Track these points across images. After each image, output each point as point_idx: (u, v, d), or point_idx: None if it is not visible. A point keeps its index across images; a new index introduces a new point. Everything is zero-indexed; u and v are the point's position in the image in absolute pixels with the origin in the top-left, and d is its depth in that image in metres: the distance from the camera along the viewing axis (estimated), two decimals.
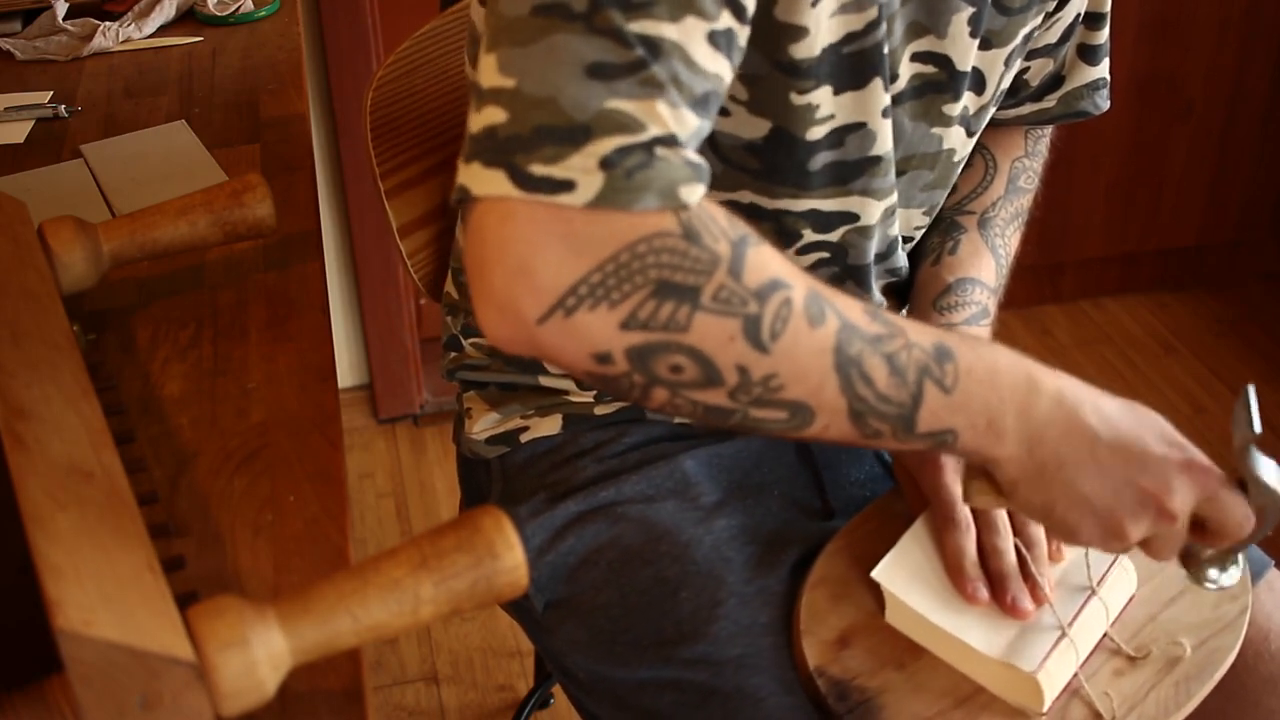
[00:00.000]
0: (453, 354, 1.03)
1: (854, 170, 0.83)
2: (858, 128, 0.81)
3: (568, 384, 0.96)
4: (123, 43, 1.39)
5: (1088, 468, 0.72)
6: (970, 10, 0.82)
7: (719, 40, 0.65)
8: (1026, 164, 1.02)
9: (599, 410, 0.97)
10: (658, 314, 0.63)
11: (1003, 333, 2.40)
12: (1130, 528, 0.73)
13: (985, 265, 0.96)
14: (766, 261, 0.65)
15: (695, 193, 0.63)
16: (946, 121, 0.87)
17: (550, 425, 0.97)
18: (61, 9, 1.40)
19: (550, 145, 0.61)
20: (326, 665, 0.63)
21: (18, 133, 1.20)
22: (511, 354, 0.64)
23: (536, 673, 1.62)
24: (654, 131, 0.62)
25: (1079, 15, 0.95)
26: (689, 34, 0.63)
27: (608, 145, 0.61)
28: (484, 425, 1.00)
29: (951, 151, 0.90)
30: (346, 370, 2.24)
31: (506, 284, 0.62)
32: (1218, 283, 2.52)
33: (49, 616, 0.52)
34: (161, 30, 1.42)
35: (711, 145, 0.81)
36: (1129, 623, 0.84)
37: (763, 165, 0.82)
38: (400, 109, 1.14)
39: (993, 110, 0.93)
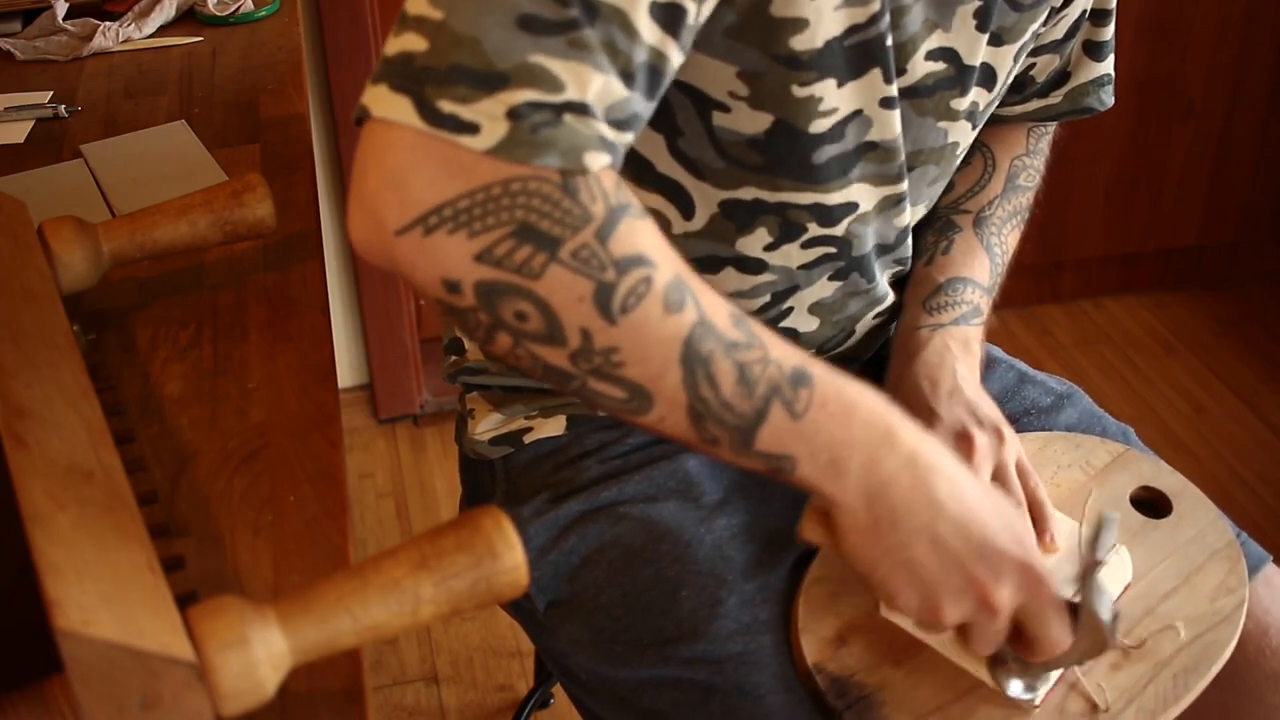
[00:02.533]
0: (453, 357, 1.03)
1: (852, 159, 0.83)
2: (854, 116, 0.81)
3: None
4: (123, 43, 1.39)
5: (922, 537, 0.70)
6: (977, 3, 0.82)
7: (662, 13, 0.64)
8: (1027, 162, 1.02)
9: (603, 411, 0.97)
10: (513, 255, 0.62)
11: (1003, 332, 2.40)
12: (948, 609, 0.72)
13: (979, 264, 0.96)
14: (639, 235, 0.64)
15: (599, 161, 0.63)
16: (953, 116, 0.87)
17: (554, 426, 0.97)
18: (61, 9, 1.40)
19: (464, 85, 0.60)
20: (326, 665, 0.63)
21: (18, 133, 1.20)
22: (370, 262, 0.65)
23: (536, 673, 1.62)
24: (569, 95, 0.61)
25: (1085, 11, 0.95)
26: (632, 1, 0.63)
27: (520, 97, 0.61)
28: (487, 426, 1.00)
29: (955, 145, 0.90)
30: (346, 370, 2.24)
31: (376, 189, 0.62)
32: (1218, 283, 2.52)
33: (49, 616, 0.52)
34: (161, 30, 1.42)
35: (713, 143, 0.81)
36: (1125, 617, 0.84)
37: (766, 159, 0.81)
38: None
39: (996, 105, 0.93)
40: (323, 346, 0.88)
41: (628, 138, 0.66)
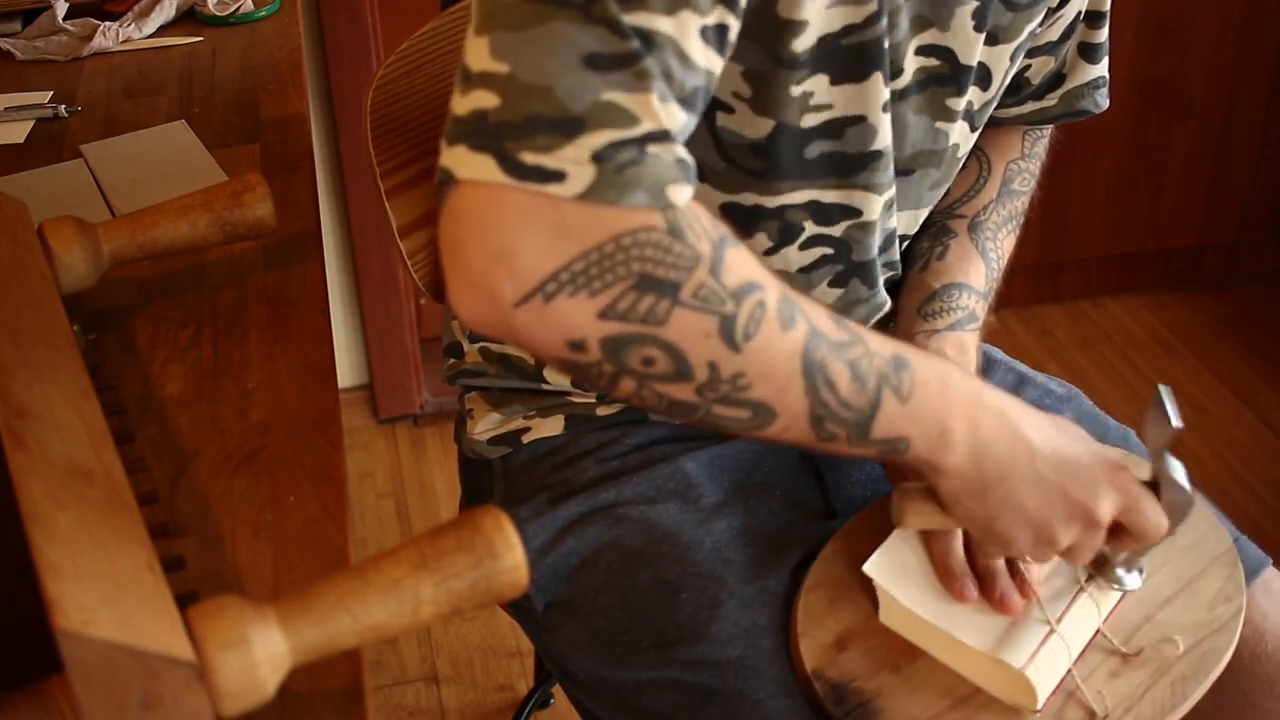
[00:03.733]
0: (452, 359, 1.03)
1: (855, 164, 0.83)
2: (858, 121, 0.81)
3: (569, 385, 0.96)
4: (123, 43, 1.39)
5: (1027, 481, 0.75)
6: (975, 4, 0.82)
7: (711, 35, 0.65)
8: (1022, 166, 1.02)
9: (601, 411, 0.97)
10: (637, 306, 0.63)
11: (1003, 333, 2.40)
12: (1061, 536, 0.77)
13: (974, 270, 0.96)
14: (744, 263, 0.66)
15: (683, 194, 0.64)
16: (951, 116, 0.87)
17: (553, 426, 0.97)
18: (61, 9, 1.40)
19: (543, 135, 0.61)
20: (326, 665, 0.63)
21: (18, 133, 1.20)
22: (483, 334, 0.65)
23: (536, 673, 1.62)
24: (647, 126, 0.62)
25: (1080, 14, 0.95)
26: (683, 28, 0.63)
27: (601, 139, 0.61)
28: (486, 425, 1.00)
29: (956, 147, 0.90)
30: (346, 370, 2.24)
31: (485, 266, 0.62)
32: (1218, 283, 2.52)
33: (49, 616, 0.52)
34: (161, 30, 1.42)
35: (716, 144, 0.81)
36: (1124, 624, 0.84)
37: (766, 165, 0.82)
38: (400, 109, 1.14)
39: (994, 102, 0.92)
40: (323, 346, 0.88)
41: None
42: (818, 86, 0.79)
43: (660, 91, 0.63)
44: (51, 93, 1.29)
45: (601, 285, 0.63)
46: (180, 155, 1.15)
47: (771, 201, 0.84)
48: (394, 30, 1.99)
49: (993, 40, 0.86)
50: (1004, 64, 0.88)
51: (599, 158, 0.61)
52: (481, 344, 0.99)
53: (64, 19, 1.39)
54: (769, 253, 0.87)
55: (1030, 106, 1.01)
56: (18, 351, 0.72)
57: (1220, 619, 0.84)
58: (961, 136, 0.90)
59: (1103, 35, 0.98)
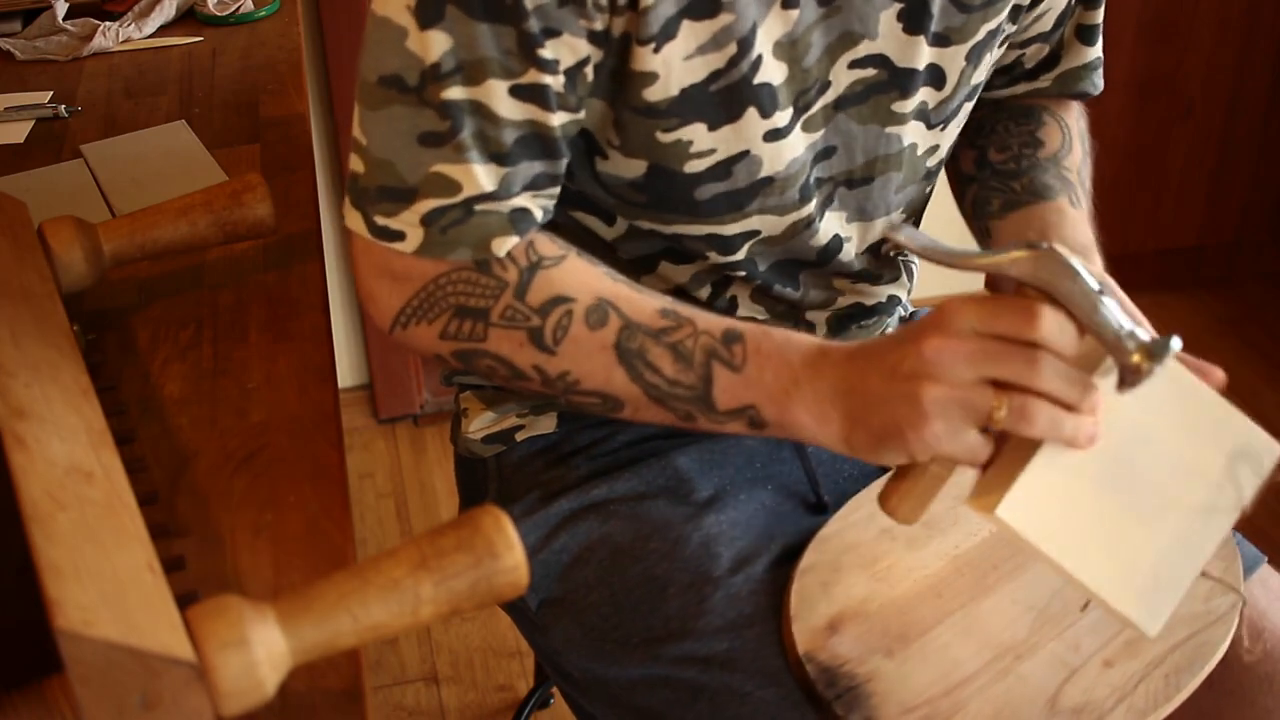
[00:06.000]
0: None
1: (747, 195, 0.85)
2: (741, 157, 0.83)
3: None
4: (123, 43, 1.39)
5: (874, 399, 0.72)
6: (898, 6, 0.82)
7: (524, 92, 0.74)
8: (1083, 126, 1.02)
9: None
10: (461, 329, 0.79)
11: None
12: (934, 425, 0.70)
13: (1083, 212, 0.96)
14: (553, 282, 0.78)
15: (505, 245, 0.77)
16: (899, 120, 0.87)
17: (546, 424, 0.98)
18: (61, 9, 1.40)
19: (388, 201, 0.77)
20: (326, 665, 0.63)
21: (18, 133, 1.20)
22: None
23: (536, 673, 1.62)
24: (468, 192, 0.75)
25: (1070, 2, 0.95)
26: (490, 93, 0.74)
27: (428, 205, 0.76)
28: (480, 424, 1.00)
29: (914, 147, 0.90)
30: (346, 370, 2.24)
31: (366, 301, 0.83)
32: (1218, 283, 2.52)
33: (49, 616, 0.52)
34: (161, 30, 1.43)
35: (599, 185, 0.85)
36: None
37: (649, 198, 0.85)
38: None
39: (962, 102, 0.91)
40: (323, 346, 0.88)
41: (550, 191, 0.79)
42: (695, 135, 0.81)
43: (476, 157, 0.75)
44: (51, 93, 1.29)
45: (434, 315, 0.79)
46: (180, 155, 1.15)
47: (664, 229, 0.87)
48: None
49: (943, 42, 0.86)
50: (958, 64, 0.88)
51: (426, 220, 0.76)
52: None
53: (64, 19, 1.39)
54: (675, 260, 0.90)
55: (1023, 87, 1.01)
56: (18, 351, 0.72)
57: (1216, 611, 0.84)
58: (919, 136, 0.90)
59: (1099, 17, 0.98)
